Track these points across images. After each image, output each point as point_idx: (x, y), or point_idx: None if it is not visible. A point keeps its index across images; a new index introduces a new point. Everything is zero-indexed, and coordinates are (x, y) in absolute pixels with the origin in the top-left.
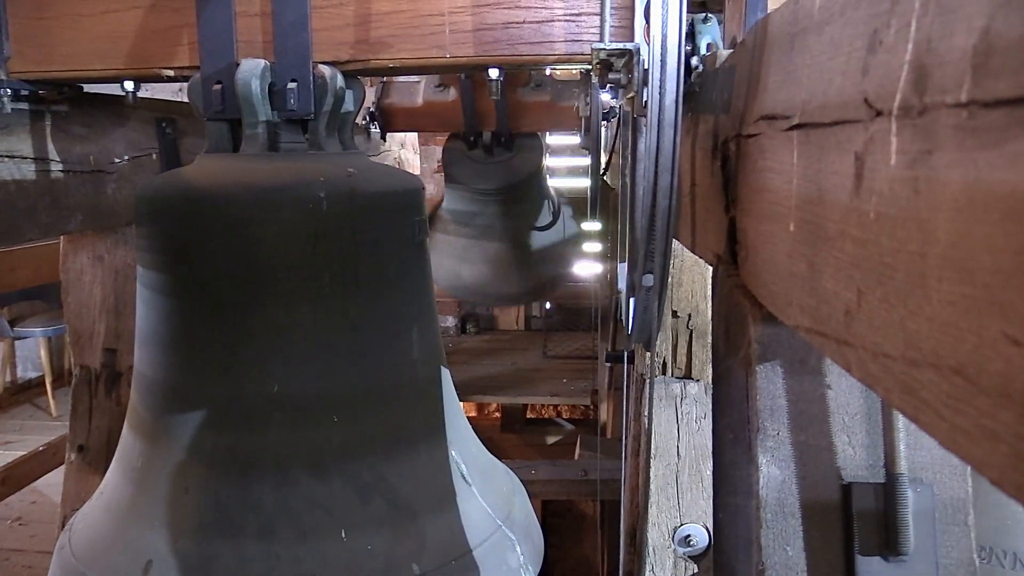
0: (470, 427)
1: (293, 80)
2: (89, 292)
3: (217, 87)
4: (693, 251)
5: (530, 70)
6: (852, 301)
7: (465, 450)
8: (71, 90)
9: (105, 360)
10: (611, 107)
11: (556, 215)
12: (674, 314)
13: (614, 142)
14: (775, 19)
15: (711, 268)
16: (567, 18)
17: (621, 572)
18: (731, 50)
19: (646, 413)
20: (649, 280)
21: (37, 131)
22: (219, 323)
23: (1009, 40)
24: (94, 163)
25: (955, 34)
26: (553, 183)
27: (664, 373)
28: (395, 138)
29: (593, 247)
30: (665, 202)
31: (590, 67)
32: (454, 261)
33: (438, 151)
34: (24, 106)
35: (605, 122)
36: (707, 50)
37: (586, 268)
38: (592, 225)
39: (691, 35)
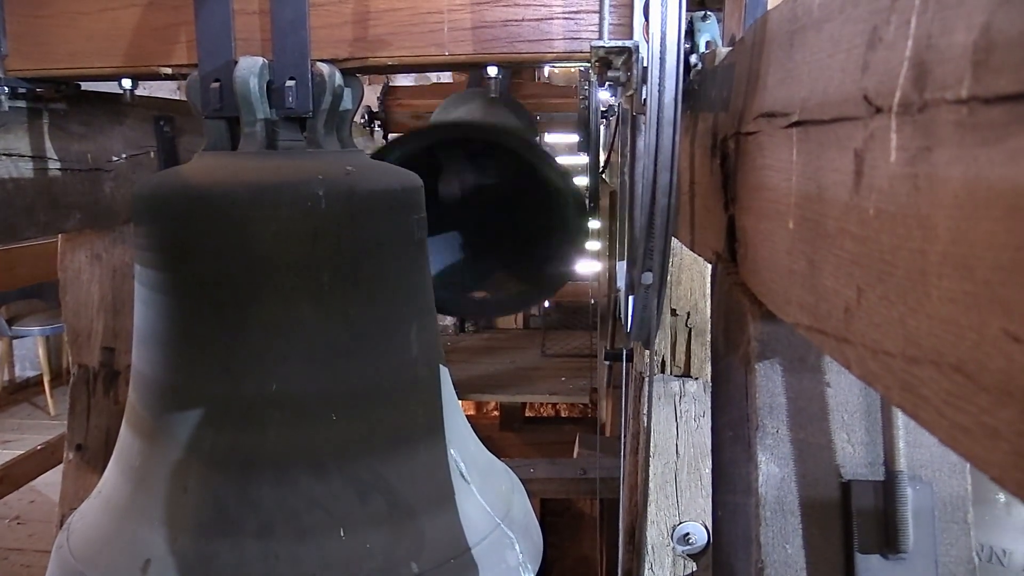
0: (469, 425)
1: (291, 78)
2: (87, 291)
3: (215, 85)
4: (692, 249)
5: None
6: (852, 298)
7: (464, 448)
8: (69, 88)
9: (103, 359)
10: (610, 105)
11: None
12: (673, 312)
13: (613, 140)
14: (775, 17)
15: (710, 266)
16: (566, 15)
17: (620, 570)
18: (730, 48)
19: (645, 411)
20: (648, 278)
21: (35, 129)
22: (218, 321)
23: (1010, 36)
24: (92, 161)
25: (955, 30)
26: None
27: (663, 371)
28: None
29: (592, 245)
30: (664, 200)
31: (589, 65)
32: None
33: None
34: (22, 104)
35: (603, 120)
36: (706, 48)
37: (585, 266)
38: (591, 223)
39: (690, 33)
